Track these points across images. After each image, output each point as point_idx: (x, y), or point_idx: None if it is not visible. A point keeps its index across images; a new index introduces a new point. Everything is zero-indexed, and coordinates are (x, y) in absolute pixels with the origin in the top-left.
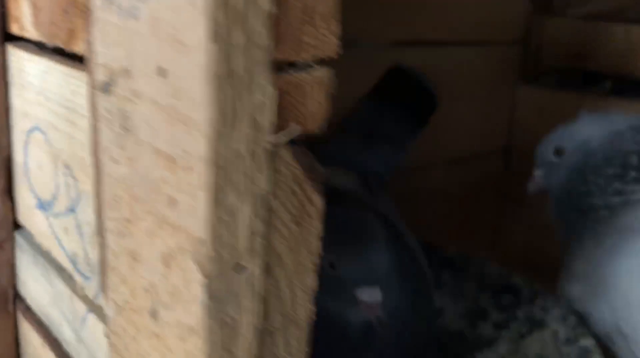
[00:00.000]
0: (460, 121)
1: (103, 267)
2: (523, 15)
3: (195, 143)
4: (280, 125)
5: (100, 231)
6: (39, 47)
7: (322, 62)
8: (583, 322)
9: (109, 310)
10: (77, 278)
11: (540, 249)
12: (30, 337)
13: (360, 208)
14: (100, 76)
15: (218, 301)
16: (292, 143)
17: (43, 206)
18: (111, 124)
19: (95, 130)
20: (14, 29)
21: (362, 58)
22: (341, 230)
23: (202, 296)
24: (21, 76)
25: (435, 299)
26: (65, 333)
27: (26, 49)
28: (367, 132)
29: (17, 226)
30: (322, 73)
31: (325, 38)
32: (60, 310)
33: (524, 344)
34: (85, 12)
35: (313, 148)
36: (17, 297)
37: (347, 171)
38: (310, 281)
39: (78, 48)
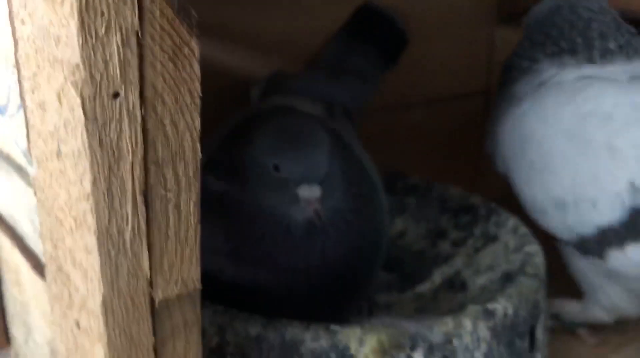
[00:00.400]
0: (438, 61)
1: (27, 129)
2: None
3: None
4: None
5: (22, 95)
6: None
7: None
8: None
9: (33, 168)
10: (30, 169)
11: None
12: (2, 241)
13: (305, 116)
14: None
15: (97, 122)
16: None
17: (1, 111)
18: None
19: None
20: None
21: None
22: (285, 135)
23: (82, 117)
24: None
25: (386, 207)
26: (25, 227)
27: None
28: (335, 67)
29: None
30: None
31: None
32: (20, 206)
33: (478, 257)
34: None
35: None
36: None
37: (314, 101)
38: (194, 120)
39: None
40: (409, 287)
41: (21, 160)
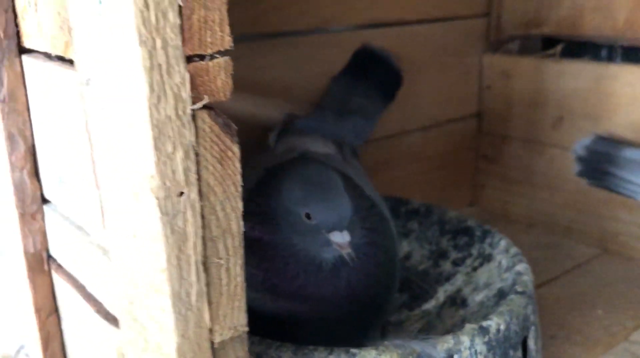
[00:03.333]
0: (433, 90)
1: (102, 213)
2: None
3: (138, 112)
4: (197, 96)
5: (97, 184)
6: (46, 56)
7: (222, 53)
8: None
9: (110, 243)
10: (91, 231)
11: (513, 201)
12: (63, 288)
13: (321, 165)
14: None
15: (168, 215)
16: (210, 108)
17: (63, 181)
18: (94, 112)
19: (86, 115)
20: (27, 44)
21: (334, 41)
22: (312, 186)
23: (157, 212)
24: (35, 79)
25: (396, 237)
26: (87, 278)
27: (37, 58)
28: (341, 107)
29: (44, 201)
30: (222, 60)
31: (221, 37)
32: (82, 259)
33: (476, 275)
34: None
35: (289, 120)
36: (50, 258)
37: (325, 140)
38: (238, 203)
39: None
40: (417, 306)
41: (81, 222)
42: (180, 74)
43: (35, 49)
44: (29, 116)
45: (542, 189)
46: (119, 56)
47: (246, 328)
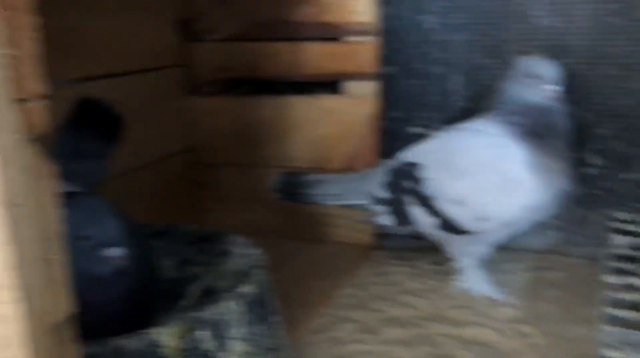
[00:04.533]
0: (149, 131)
1: None
2: (174, 44)
3: None
4: (30, 130)
5: None
6: None
7: (44, 96)
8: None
9: None
10: None
11: (231, 217)
12: None
13: (92, 196)
14: None
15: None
16: (35, 139)
17: None
18: None
19: None
20: None
21: (58, 95)
22: (88, 213)
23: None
24: None
25: (151, 251)
26: None
27: None
28: (72, 153)
29: None
30: (44, 103)
31: (39, 86)
32: None
33: (222, 268)
34: None
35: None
36: None
37: (66, 181)
38: (56, 212)
39: None
40: (175, 305)
41: None
42: (13, 113)
43: None
44: None
45: (252, 202)
46: None
47: (75, 310)
